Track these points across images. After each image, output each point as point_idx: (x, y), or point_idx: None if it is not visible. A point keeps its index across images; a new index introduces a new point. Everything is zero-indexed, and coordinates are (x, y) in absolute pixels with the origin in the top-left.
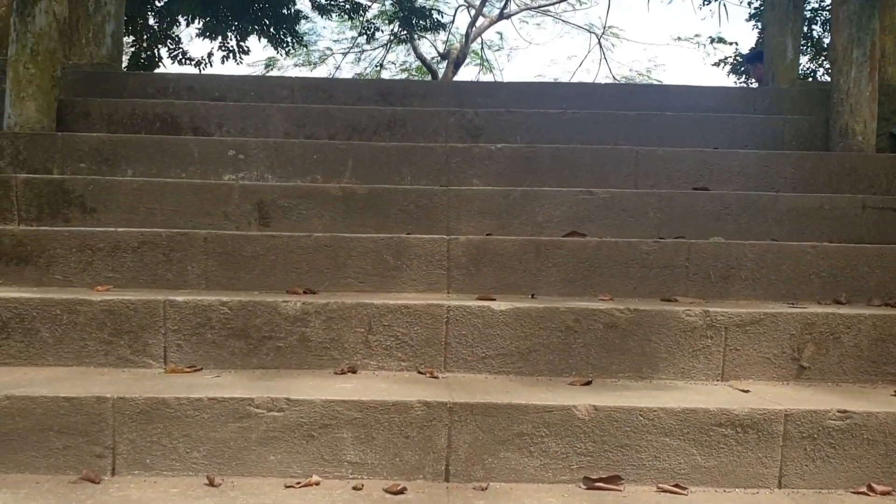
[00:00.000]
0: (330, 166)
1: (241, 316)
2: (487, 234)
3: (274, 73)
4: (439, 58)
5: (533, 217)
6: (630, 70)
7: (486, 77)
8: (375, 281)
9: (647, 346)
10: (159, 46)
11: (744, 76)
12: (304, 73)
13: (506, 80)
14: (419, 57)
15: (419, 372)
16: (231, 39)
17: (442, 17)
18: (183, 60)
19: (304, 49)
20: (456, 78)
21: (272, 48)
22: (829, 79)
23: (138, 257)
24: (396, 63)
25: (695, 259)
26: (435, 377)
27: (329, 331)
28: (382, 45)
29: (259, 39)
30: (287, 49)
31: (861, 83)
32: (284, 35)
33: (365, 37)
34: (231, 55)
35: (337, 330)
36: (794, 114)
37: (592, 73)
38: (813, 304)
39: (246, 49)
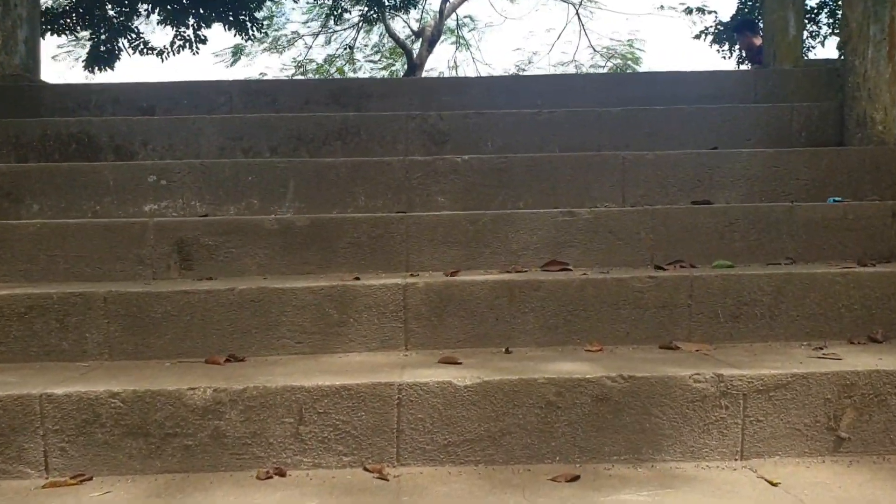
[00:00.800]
0: (268, 189)
1: (138, 410)
2: (452, 273)
3: (242, 60)
4: (413, 36)
5: (507, 244)
6: (610, 40)
7: (463, 56)
8: (316, 340)
9: (646, 420)
10: (119, 38)
11: (726, 45)
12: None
13: (479, 70)
14: (392, 36)
15: (365, 469)
16: (189, 29)
17: None
18: (145, 51)
19: (266, 35)
20: (431, 56)
21: (235, 35)
22: (827, 56)
23: (26, 325)
24: (369, 44)
25: (699, 295)
26: (384, 478)
27: (249, 423)
28: (353, 26)
29: (226, 28)
30: (248, 36)
31: (879, 64)
32: (245, 21)
33: (332, 19)
34: (188, 45)
35: (259, 422)
36: (802, 100)
37: (572, 45)
38: (844, 342)
39: (203, 38)
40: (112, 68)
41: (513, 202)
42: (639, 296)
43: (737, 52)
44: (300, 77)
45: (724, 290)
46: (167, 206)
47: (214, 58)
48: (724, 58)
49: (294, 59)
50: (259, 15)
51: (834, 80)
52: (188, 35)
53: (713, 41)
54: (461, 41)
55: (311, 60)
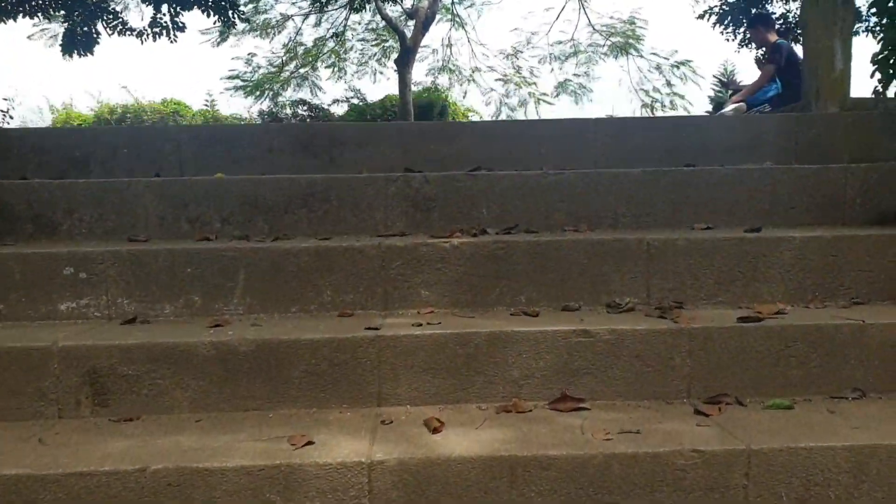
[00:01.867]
0: (213, 282)
1: None
2: (435, 430)
3: (230, 40)
4: (406, 17)
5: (505, 371)
6: (611, 18)
7: (458, 34)
8: None
9: None
10: (95, 21)
11: (731, 26)
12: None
13: (475, 51)
14: (384, 17)
15: None
16: (166, 15)
17: None
18: (123, 32)
19: (248, 21)
20: (424, 41)
21: (215, 21)
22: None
23: None
24: (362, 21)
25: (757, 474)
26: None
27: None
28: (344, 6)
29: (204, 14)
30: (229, 23)
31: None
32: (225, 6)
33: (319, 4)
34: (165, 32)
35: None
36: (857, 155)
37: (572, 24)
38: None
39: (181, 25)
40: (91, 53)
41: (513, 296)
42: (681, 475)
43: (740, 36)
44: (260, 122)
45: (788, 467)
46: (88, 304)
47: (201, 36)
48: (728, 40)
49: (283, 44)
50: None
51: (891, 125)
52: (165, 21)
53: (717, 22)
54: (456, 19)
55: (301, 44)
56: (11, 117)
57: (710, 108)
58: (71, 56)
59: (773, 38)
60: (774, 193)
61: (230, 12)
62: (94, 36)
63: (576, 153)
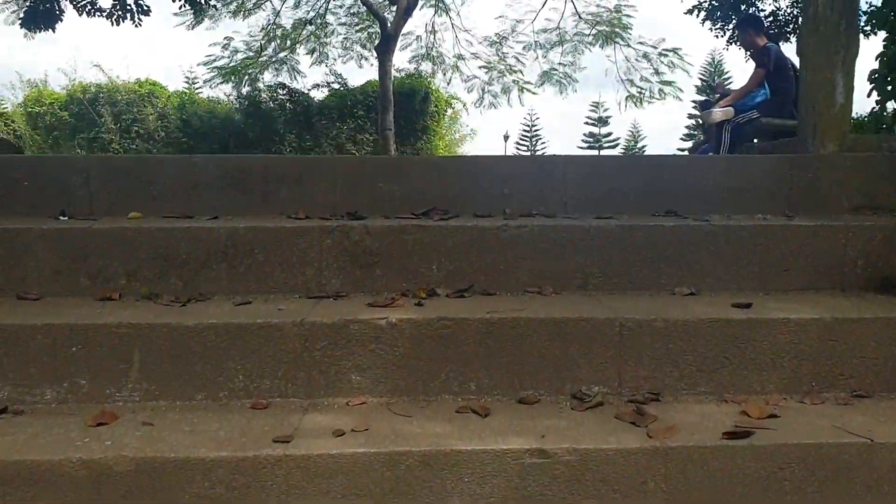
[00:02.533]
0: (102, 364)
1: None
2: None
3: (205, 23)
4: (388, 2)
5: (443, 500)
6: (597, 6)
7: (442, 19)
8: None
9: None
10: None
11: (720, 22)
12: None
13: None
14: (364, 2)
15: None
16: None
17: None
18: (92, 13)
19: (215, 9)
20: (407, 26)
21: (182, 7)
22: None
23: None
24: (343, 7)
25: None
26: None
27: None
28: None
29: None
30: (198, 7)
31: None
32: None
33: None
34: (129, 15)
35: None
36: (858, 202)
37: (558, 12)
38: None
39: (145, 8)
40: (53, 29)
41: (461, 382)
42: None
43: (729, 32)
44: (184, 154)
45: None
46: None
47: (175, 18)
48: (717, 36)
49: (262, 26)
50: None
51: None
52: (129, 4)
53: (706, 18)
54: (440, 4)
55: (280, 26)
56: None
57: (697, 100)
58: (32, 31)
59: (762, 41)
60: (766, 254)
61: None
62: (57, 12)
63: (544, 194)
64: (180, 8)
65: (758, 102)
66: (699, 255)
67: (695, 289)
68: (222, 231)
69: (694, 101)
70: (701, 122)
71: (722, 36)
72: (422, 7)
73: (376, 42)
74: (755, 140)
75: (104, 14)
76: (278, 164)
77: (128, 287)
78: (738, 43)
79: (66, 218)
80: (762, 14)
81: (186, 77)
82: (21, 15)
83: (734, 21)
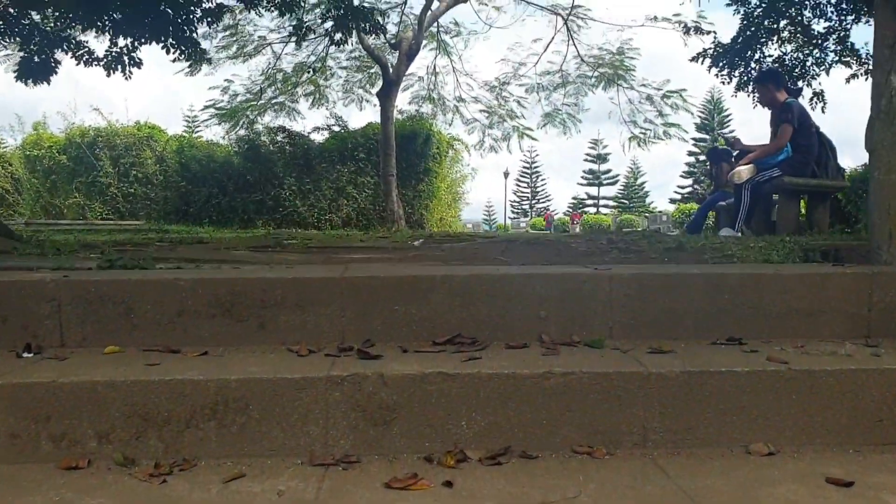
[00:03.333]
0: None
1: None
2: None
3: (203, 69)
4: (389, 47)
5: None
6: (599, 49)
7: (443, 62)
8: None
9: None
10: (54, 50)
11: (726, 69)
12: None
13: (460, 81)
14: (366, 48)
15: None
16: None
17: (385, 18)
18: (90, 62)
19: (209, 62)
20: (410, 69)
21: (175, 59)
22: None
23: None
24: (344, 52)
25: None
26: None
27: None
28: (324, 36)
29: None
30: (191, 61)
31: None
32: (188, 45)
33: (296, 39)
34: (120, 67)
35: None
36: None
37: (560, 55)
38: None
39: (137, 60)
40: (48, 82)
41: None
42: None
43: (736, 80)
44: (169, 274)
45: None
46: None
47: (173, 66)
48: (724, 83)
49: (262, 70)
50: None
51: None
52: (120, 55)
53: (712, 65)
54: (442, 46)
55: (280, 70)
56: None
57: (699, 139)
58: (25, 83)
59: (782, 96)
60: (856, 401)
61: (191, 50)
62: (52, 64)
63: (585, 317)
64: (173, 61)
65: (780, 160)
66: (778, 405)
67: (774, 446)
68: (210, 385)
69: (695, 139)
70: (708, 166)
71: (728, 83)
72: (424, 47)
73: (377, 83)
74: (775, 196)
75: (101, 63)
76: (277, 286)
77: (99, 452)
78: (757, 97)
79: (31, 354)
80: (768, 60)
81: (186, 118)
82: (14, 68)
83: (749, 72)
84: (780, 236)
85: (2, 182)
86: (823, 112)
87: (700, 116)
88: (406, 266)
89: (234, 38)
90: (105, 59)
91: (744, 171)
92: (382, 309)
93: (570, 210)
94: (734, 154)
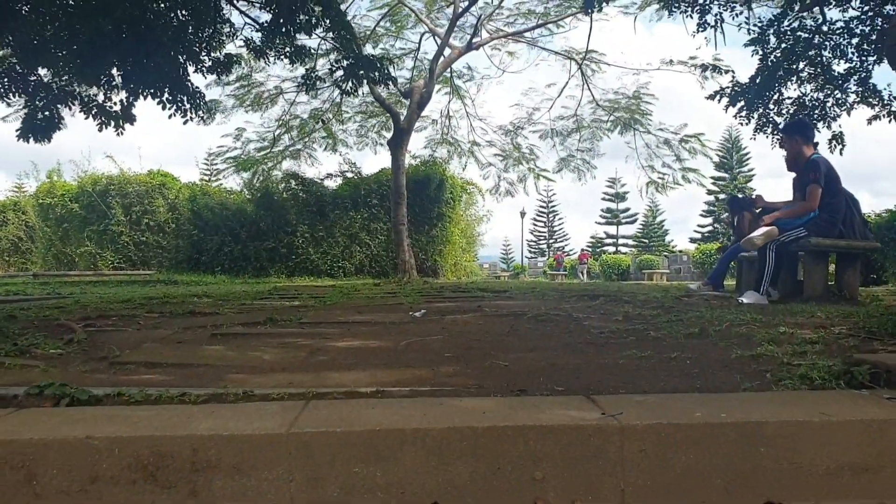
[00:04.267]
0: None
1: None
2: None
3: (217, 118)
4: (400, 95)
5: None
6: (615, 93)
7: (456, 105)
8: None
9: None
10: (58, 106)
11: (744, 110)
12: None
13: (473, 125)
14: (376, 98)
15: None
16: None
17: (395, 68)
18: (98, 115)
19: (212, 115)
20: (423, 114)
21: (171, 115)
22: None
23: None
24: (357, 100)
25: None
26: None
27: None
28: (334, 84)
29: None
30: (187, 117)
31: None
32: (183, 101)
33: (305, 89)
34: (113, 122)
35: None
36: None
37: (574, 99)
38: None
39: (130, 116)
40: (49, 140)
41: None
42: None
43: (754, 121)
44: (80, 432)
45: None
46: None
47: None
48: (742, 124)
49: (277, 117)
50: (207, 82)
51: None
52: (113, 109)
53: (729, 104)
54: (455, 90)
55: (296, 116)
56: None
57: (718, 182)
58: (27, 141)
59: (809, 151)
60: None
61: (188, 107)
62: (56, 121)
63: (591, 478)
64: (170, 117)
65: (806, 220)
66: None
67: None
68: None
69: (714, 178)
70: (729, 216)
71: (747, 124)
72: (438, 91)
73: (391, 128)
74: (801, 253)
75: (110, 117)
76: (210, 445)
77: None
78: (784, 148)
79: None
80: (786, 101)
81: (203, 166)
82: (19, 126)
83: (768, 113)
84: (815, 318)
85: (16, 230)
86: (841, 154)
87: (718, 155)
88: (377, 406)
89: (248, 87)
90: (95, 113)
91: (758, 239)
92: (340, 472)
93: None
94: (757, 211)
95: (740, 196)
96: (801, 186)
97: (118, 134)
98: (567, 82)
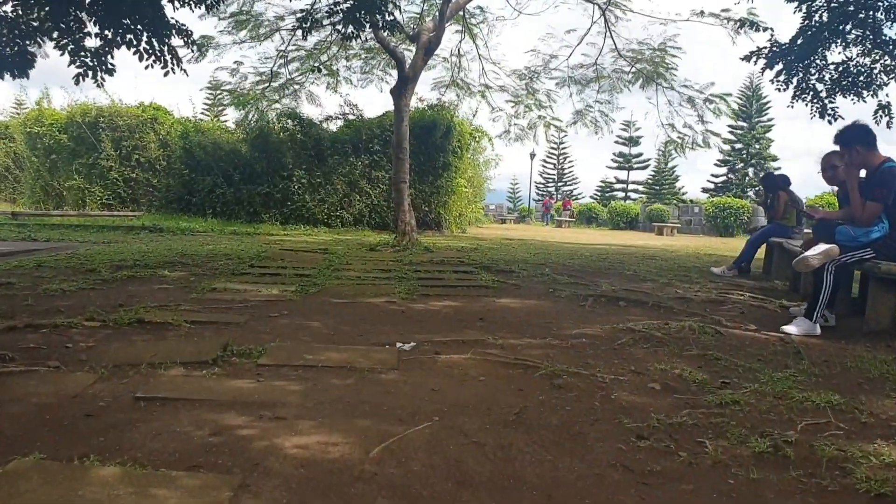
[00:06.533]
0: None
1: None
2: None
3: (209, 55)
4: (408, 40)
5: None
6: (639, 43)
7: (468, 46)
8: None
9: None
10: (27, 42)
11: (783, 73)
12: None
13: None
14: (380, 41)
15: None
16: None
17: (401, 11)
18: (74, 62)
19: (201, 53)
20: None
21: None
22: None
23: None
24: (358, 42)
25: None
26: None
27: None
28: (335, 26)
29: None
30: (168, 68)
31: None
32: (162, 52)
33: (303, 31)
34: (91, 73)
35: None
36: None
37: (595, 47)
38: None
39: (110, 67)
40: (27, 76)
41: None
42: None
43: (793, 87)
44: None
45: None
46: None
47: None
48: (779, 89)
49: (277, 49)
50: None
51: None
52: (89, 61)
53: (766, 66)
54: (468, 28)
55: (300, 47)
56: None
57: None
58: (2, 78)
59: (877, 158)
60: None
61: (168, 57)
62: (29, 57)
63: None
64: (146, 67)
65: (874, 239)
66: None
67: None
68: None
69: (731, 127)
70: (762, 194)
71: (784, 90)
72: (450, 24)
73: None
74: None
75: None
76: None
77: None
78: (844, 159)
79: None
80: (830, 67)
81: (205, 99)
82: None
83: (808, 79)
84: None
85: (4, 158)
86: (889, 127)
87: (737, 102)
88: None
89: (246, 19)
90: (71, 59)
91: (814, 259)
92: None
93: (597, 195)
94: (813, 221)
95: (776, 174)
96: (867, 192)
97: (98, 85)
98: (589, 28)
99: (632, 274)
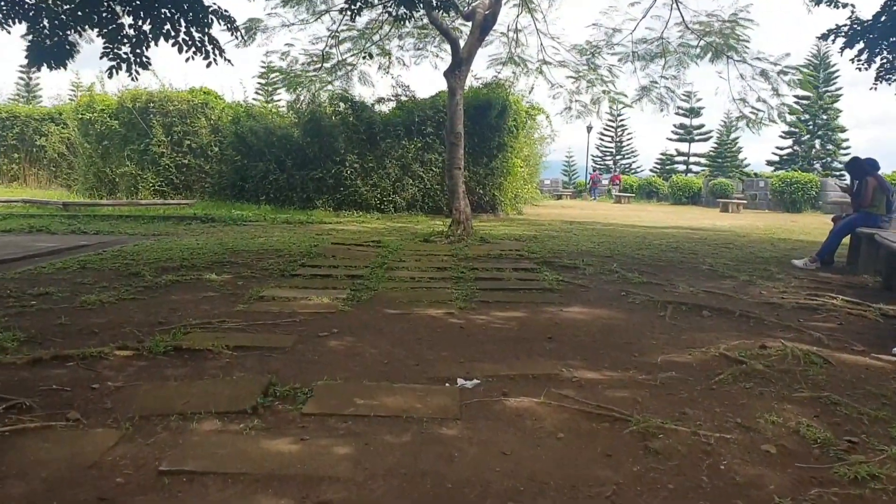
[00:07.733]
0: None
1: None
2: None
3: (258, 38)
4: (462, 18)
5: None
6: (708, 16)
7: (525, 21)
8: None
9: None
10: (67, 31)
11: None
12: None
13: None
14: (433, 22)
15: None
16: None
17: None
18: (107, 54)
19: (250, 37)
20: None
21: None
22: None
23: None
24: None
25: None
26: None
27: None
28: (385, 10)
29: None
30: (209, 60)
31: None
32: (203, 43)
33: (350, 14)
34: (125, 66)
35: None
36: None
37: (661, 20)
38: None
39: (144, 61)
40: (64, 67)
41: None
42: None
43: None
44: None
45: None
46: None
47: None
48: (860, 69)
49: (329, 29)
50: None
51: None
52: (125, 54)
53: (845, 45)
54: (524, 2)
55: (351, 27)
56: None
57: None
58: (39, 69)
59: None
60: None
61: (210, 47)
62: (67, 47)
63: None
64: (186, 60)
65: None
66: None
67: None
68: None
69: (797, 97)
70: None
71: (866, 69)
72: (507, 3)
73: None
74: None
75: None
76: None
77: None
78: None
79: None
80: None
81: (257, 83)
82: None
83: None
84: None
85: (57, 146)
86: None
87: (804, 71)
88: None
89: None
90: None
91: None
92: None
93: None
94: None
95: (863, 158)
96: None
97: (133, 79)
98: (654, 1)
99: (708, 269)
